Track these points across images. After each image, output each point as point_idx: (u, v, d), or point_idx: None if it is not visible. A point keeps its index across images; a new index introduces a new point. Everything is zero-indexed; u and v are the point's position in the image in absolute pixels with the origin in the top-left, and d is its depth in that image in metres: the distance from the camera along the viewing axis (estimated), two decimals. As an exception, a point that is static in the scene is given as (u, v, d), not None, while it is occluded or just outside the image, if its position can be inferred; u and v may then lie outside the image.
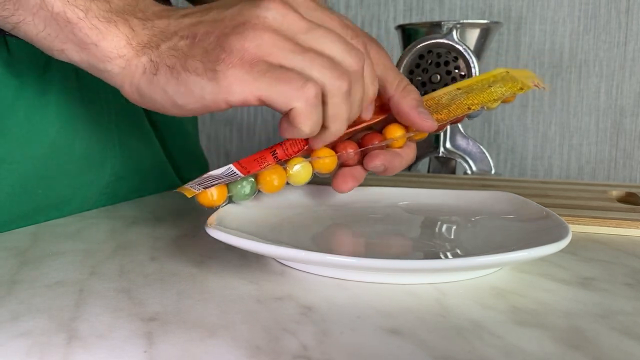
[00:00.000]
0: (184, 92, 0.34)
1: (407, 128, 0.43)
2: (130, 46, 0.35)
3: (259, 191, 0.39)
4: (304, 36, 0.34)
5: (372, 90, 0.39)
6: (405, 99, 0.43)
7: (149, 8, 0.37)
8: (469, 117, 0.61)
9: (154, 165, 0.60)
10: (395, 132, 0.43)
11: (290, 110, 0.33)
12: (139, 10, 0.36)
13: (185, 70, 0.33)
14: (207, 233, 0.34)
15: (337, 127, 0.36)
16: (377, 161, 0.42)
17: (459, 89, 0.47)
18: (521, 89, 0.46)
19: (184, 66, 0.34)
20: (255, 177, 0.38)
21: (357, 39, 0.37)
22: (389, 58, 0.46)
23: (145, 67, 0.35)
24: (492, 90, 0.46)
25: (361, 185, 0.52)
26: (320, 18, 0.36)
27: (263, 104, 0.34)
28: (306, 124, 0.34)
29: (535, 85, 0.48)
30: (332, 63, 0.34)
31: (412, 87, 0.44)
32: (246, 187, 0.38)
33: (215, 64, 0.33)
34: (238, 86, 0.33)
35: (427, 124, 0.41)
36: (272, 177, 0.38)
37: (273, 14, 0.34)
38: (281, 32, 0.34)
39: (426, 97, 0.46)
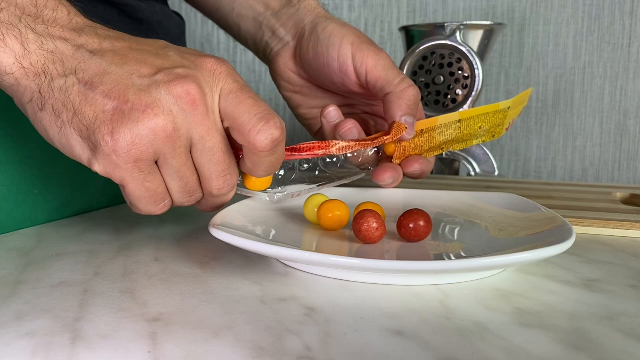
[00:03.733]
0: (64, 144, 0.32)
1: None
2: (20, 66, 0.31)
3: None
4: (195, 140, 0.33)
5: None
6: (399, 100, 0.44)
7: (57, 20, 0.33)
8: None
9: None
10: (389, 149, 0.46)
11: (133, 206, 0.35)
12: (42, 22, 0.32)
13: (70, 125, 0.32)
14: (210, 234, 0.34)
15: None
16: (417, 165, 0.46)
17: (459, 120, 0.47)
18: (493, 136, 0.49)
19: (70, 120, 0.31)
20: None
21: (267, 127, 0.33)
22: (389, 59, 0.47)
23: (33, 96, 0.32)
24: (476, 133, 0.47)
25: (364, 186, 0.52)
26: (232, 108, 0.33)
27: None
28: (145, 213, 0.35)
29: (507, 129, 0.50)
30: (191, 183, 0.34)
31: (411, 91, 0.45)
32: None
33: (100, 141, 0.31)
34: (112, 171, 0.32)
35: (404, 132, 0.44)
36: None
37: (179, 109, 0.32)
38: (176, 134, 0.32)
39: (429, 122, 0.46)
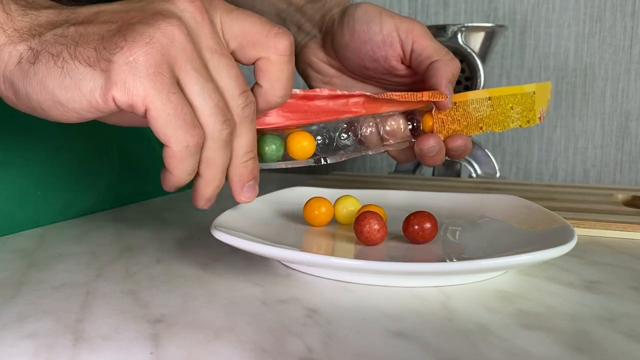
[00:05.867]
0: (68, 86, 0.28)
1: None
2: (3, 32, 0.29)
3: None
4: (208, 56, 0.31)
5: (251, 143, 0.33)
6: (446, 67, 0.45)
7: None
8: None
9: (155, 167, 0.60)
10: (427, 122, 0.46)
11: (166, 147, 0.30)
12: None
13: (74, 59, 0.28)
14: (212, 235, 0.34)
15: (211, 174, 0.32)
16: (460, 140, 0.45)
17: (489, 97, 0.47)
18: (528, 121, 0.48)
19: (73, 54, 0.28)
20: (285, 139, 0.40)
21: (283, 30, 0.33)
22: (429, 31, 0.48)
23: (21, 56, 0.29)
24: (510, 115, 0.47)
25: (366, 188, 0.52)
26: (241, 22, 0.33)
27: (143, 117, 0.29)
28: (179, 168, 0.31)
29: (539, 118, 0.49)
30: (221, 103, 0.31)
31: (456, 62, 0.46)
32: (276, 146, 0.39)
33: (111, 52, 0.28)
34: (133, 85, 0.28)
35: (444, 99, 0.44)
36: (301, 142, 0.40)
37: (188, 17, 0.30)
38: (189, 44, 0.30)
39: (460, 96, 0.46)
